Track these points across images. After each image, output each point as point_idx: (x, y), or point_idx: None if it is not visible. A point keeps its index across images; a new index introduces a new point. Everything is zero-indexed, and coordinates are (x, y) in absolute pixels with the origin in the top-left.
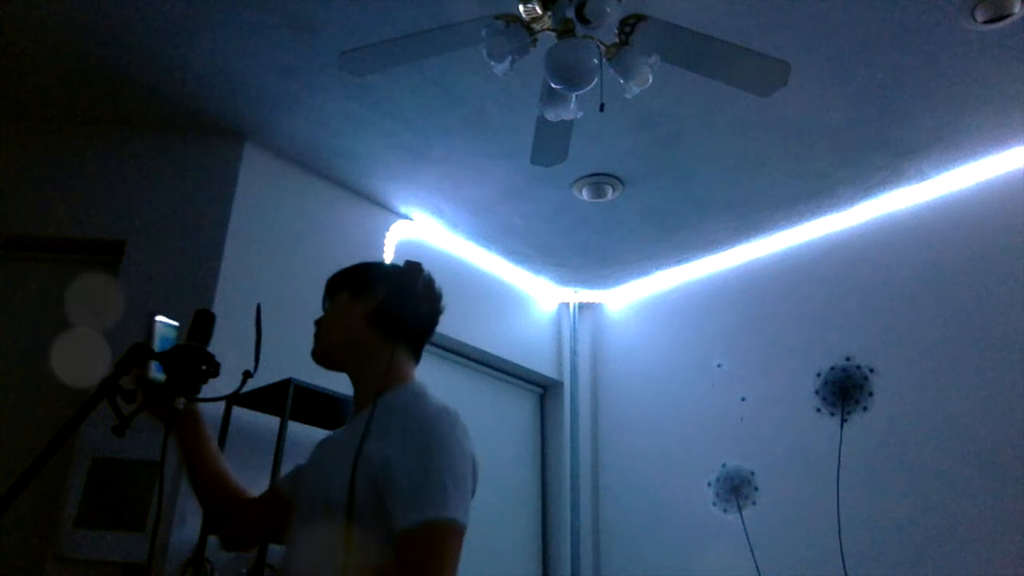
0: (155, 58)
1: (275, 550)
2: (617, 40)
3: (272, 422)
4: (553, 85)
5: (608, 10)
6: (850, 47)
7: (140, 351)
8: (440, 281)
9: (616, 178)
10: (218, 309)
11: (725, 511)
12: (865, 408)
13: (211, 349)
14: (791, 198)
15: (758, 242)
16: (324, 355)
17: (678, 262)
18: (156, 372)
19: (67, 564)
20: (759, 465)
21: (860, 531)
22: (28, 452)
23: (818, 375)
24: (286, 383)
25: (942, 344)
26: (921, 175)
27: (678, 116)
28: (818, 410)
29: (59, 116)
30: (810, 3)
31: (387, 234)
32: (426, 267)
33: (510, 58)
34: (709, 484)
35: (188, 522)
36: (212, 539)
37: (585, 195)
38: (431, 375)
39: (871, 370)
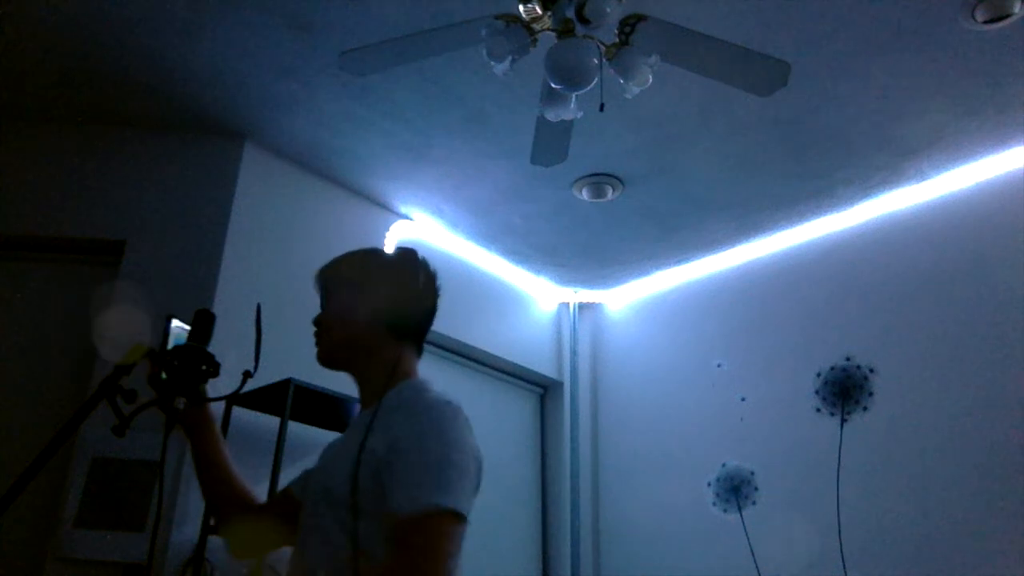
0: (155, 58)
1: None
2: (617, 40)
3: (272, 422)
4: (553, 85)
5: (608, 10)
6: (850, 47)
7: (155, 352)
8: (440, 281)
9: (616, 178)
10: (218, 309)
11: (725, 511)
12: (865, 408)
13: (211, 349)
14: (791, 198)
15: (758, 242)
16: (328, 356)
17: (678, 262)
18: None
19: (67, 564)
20: (759, 465)
21: (860, 531)
22: (28, 452)
23: (818, 375)
24: (286, 383)
25: (942, 344)
26: (921, 175)
27: (678, 116)
28: (818, 410)
29: (59, 116)
30: (810, 3)
31: (387, 234)
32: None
33: (510, 58)
34: (709, 484)
35: (188, 522)
36: (212, 539)
37: (585, 195)
38: (431, 375)
39: (871, 370)
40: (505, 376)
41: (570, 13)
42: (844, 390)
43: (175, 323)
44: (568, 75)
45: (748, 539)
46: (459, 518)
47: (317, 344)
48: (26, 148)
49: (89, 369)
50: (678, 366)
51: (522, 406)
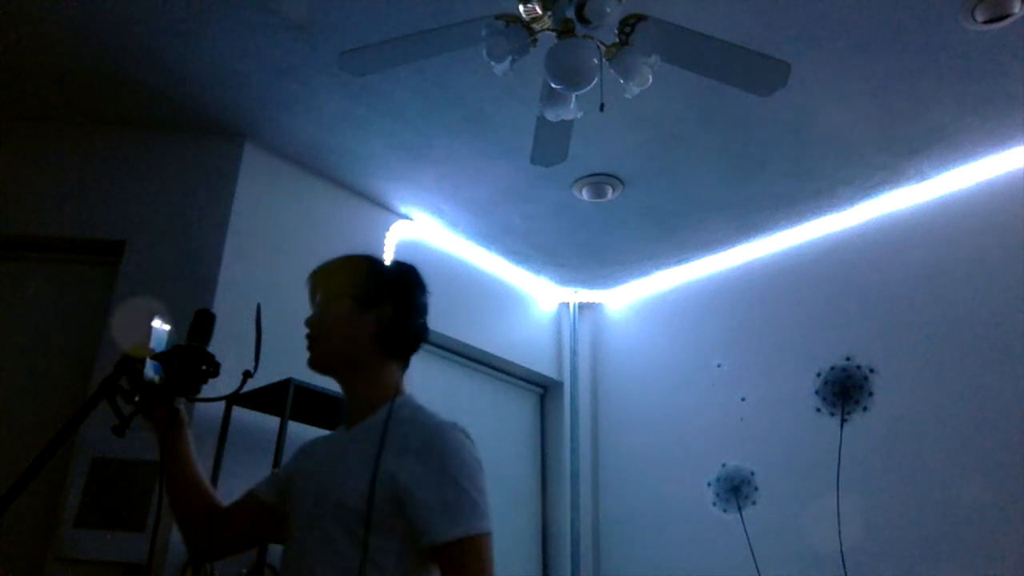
0: (155, 58)
1: (275, 550)
2: (617, 40)
3: (272, 422)
4: (553, 85)
5: (608, 10)
6: (850, 47)
7: (127, 360)
8: (440, 281)
9: (616, 178)
10: (218, 309)
11: (725, 511)
12: (865, 408)
13: (211, 349)
14: (791, 198)
15: (758, 242)
16: (321, 364)
17: (678, 262)
18: (153, 373)
19: (67, 564)
20: (759, 465)
21: (860, 531)
22: (28, 452)
23: (818, 375)
24: (286, 383)
25: (942, 344)
26: (921, 175)
27: (678, 116)
28: (818, 410)
29: (59, 116)
30: (810, 3)
31: (387, 234)
32: (424, 267)
33: (510, 58)
34: (709, 484)
35: None
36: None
37: (585, 195)
38: (431, 375)
39: (871, 370)
40: (505, 376)
41: (570, 13)
42: (844, 390)
43: (156, 323)
44: (568, 75)
45: (748, 539)
46: (490, 536)
47: (309, 348)
48: (26, 148)
49: (89, 369)
50: (678, 366)
51: (522, 406)
